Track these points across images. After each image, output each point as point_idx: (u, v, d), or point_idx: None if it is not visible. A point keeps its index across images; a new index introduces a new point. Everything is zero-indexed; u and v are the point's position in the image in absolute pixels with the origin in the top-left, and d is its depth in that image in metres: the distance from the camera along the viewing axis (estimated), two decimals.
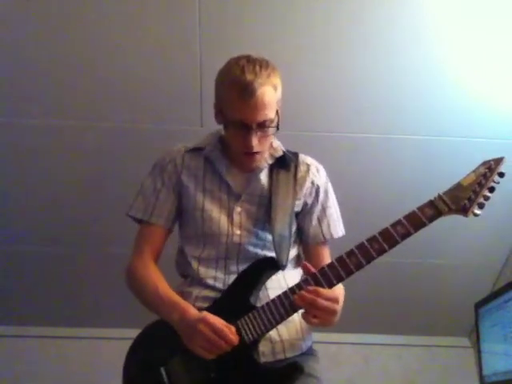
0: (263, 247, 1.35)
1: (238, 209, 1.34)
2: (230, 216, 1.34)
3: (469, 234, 2.42)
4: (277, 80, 1.26)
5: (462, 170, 1.18)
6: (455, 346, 2.80)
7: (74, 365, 2.65)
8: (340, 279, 1.15)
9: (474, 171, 1.17)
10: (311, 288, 1.13)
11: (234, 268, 1.33)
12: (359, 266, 1.13)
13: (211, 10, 1.90)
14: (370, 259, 1.13)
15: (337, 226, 1.43)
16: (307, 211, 1.41)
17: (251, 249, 1.33)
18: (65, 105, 2.12)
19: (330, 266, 1.15)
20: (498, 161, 1.16)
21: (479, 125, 2.16)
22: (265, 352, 1.24)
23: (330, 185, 1.45)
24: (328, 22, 1.93)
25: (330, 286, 1.14)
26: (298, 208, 1.39)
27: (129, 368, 1.30)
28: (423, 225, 1.12)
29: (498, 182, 1.14)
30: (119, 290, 2.51)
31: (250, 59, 1.24)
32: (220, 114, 1.28)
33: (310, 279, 1.16)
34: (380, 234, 1.14)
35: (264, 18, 1.93)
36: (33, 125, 2.16)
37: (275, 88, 1.25)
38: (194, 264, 1.36)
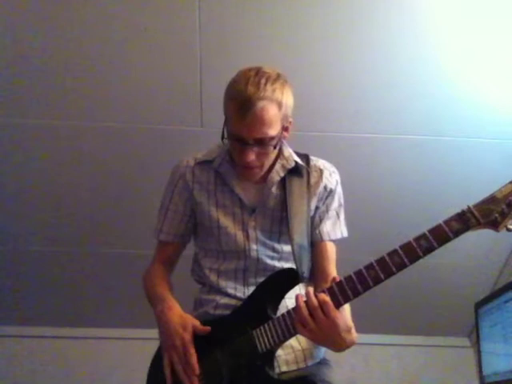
0: (280, 259, 1.34)
1: (252, 223, 1.33)
2: (245, 231, 1.33)
3: (469, 234, 2.41)
4: (283, 96, 1.19)
5: (461, 169, 1.17)
6: (455, 346, 2.80)
7: (74, 365, 2.65)
8: (357, 293, 1.10)
9: (511, 181, 1.06)
10: (322, 298, 1.09)
11: (252, 280, 1.32)
12: (377, 281, 1.08)
13: (211, 11, 1.90)
14: (389, 274, 1.08)
15: (336, 229, 1.40)
16: (315, 212, 1.39)
17: (269, 261, 1.33)
18: (65, 105, 2.12)
19: (348, 279, 1.11)
20: None
21: (479, 125, 2.16)
22: (288, 361, 1.24)
23: (339, 189, 1.41)
24: (328, 22, 1.93)
25: (346, 300, 1.10)
26: (312, 213, 1.37)
27: (154, 368, 1.33)
28: (448, 239, 1.07)
29: None
30: (119, 290, 2.53)
31: (259, 72, 1.19)
32: (224, 124, 1.25)
33: (326, 292, 1.11)
34: (401, 247, 1.08)
35: (264, 19, 1.93)
36: (33, 125, 2.16)
37: (279, 105, 1.17)
38: (213, 276, 1.36)
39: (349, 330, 1.12)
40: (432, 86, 2.07)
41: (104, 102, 2.11)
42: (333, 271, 1.35)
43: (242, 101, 1.14)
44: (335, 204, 1.40)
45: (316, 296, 1.09)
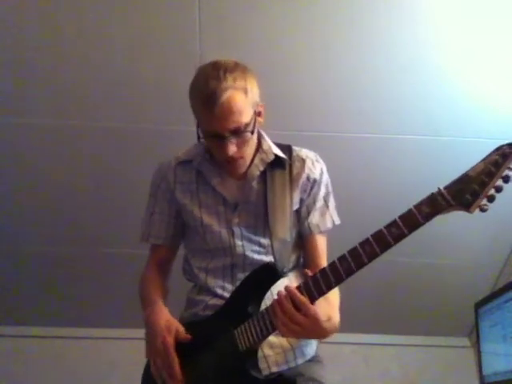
0: (267, 253, 1.33)
1: (236, 220, 1.31)
2: (229, 228, 1.31)
3: (469, 233, 2.42)
4: (246, 82, 1.16)
5: (461, 169, 1.16)
6: (455, 346, 2.80)
7: (74, 365, 2.65)
8: (330, 287, 1.08)
9: (484, 159, 0.99)
10: (298, 300, 1.08)
11: (240, 276, 1.31)
12: (349, 272, 1.05)
13: (211, 10, 1.90)
14: (361, 264, 1.04)
15: (326, 219, 1.36)
16: (301, 204, 1.36)
17: (256, 256, 1.32)
18: (65, 105, 2.12)
19: (322, 272, 1.09)
20: None
21: (479, 125, 2.16)
22: (278, 361, 1.24)
23: (325, 177, 1.37)
24: (328, 22, 1.93)
25: (321, 294, 1.09)
26: (296, 206, 1.34)
27: (146, 369, 1.34)
28: (418, 224, 1.00)
29: None
30: (119, 290, 2.53)
31: (215, 65, 1.17)
32: (197, 126, 1.24)
33: (301, 287, 1.11)
34: (373, 235, 1.05)
35: (263, 19, 1.93)
36: (33, 125, 2.16)
37: (245, 91, 1.15)
38: (202, 275, 1.36)
39: (329, 319, 1.13)
40: (432, 86, 2.07)
41: (104, 102, 2.11)
42: (323, 264, 1.33)
43: (206, 97, 1.13)
44: (322, 193, 1.36)
45: (292, 298, 1.08)
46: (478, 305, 2.27)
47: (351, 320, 2.51)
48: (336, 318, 1.19)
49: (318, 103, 2.11)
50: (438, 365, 2.73)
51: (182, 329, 1.20)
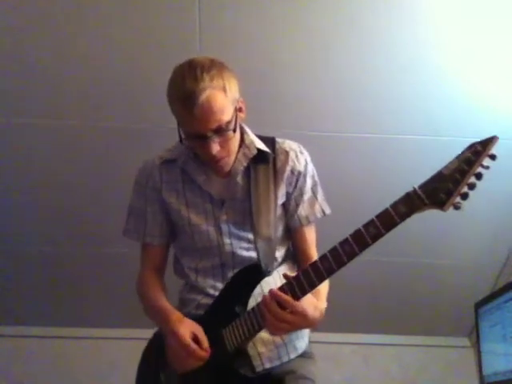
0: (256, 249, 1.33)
1: (224, 217, 1.30)
2: (217, 226, 1.31)
3: (469, 233, 2.41)
4: (224, 80, 1.14)
5: None
6: (455, 346, 2.80)
7: (74, 365, 2.65)
8: (313, 286, 1.09)
9: (457, 157, 1.01)
10: (283, 298, 1.09)
11: (230, 274, 1.31)
12: (330, 272, 1.06)
13: (211, 10, 1.90)
14: (340, 264, 1.05)
15: (315, 209, 1.36)
16: (288, 198, 1.36)
17: (245, 253, 1.32)
18: (65, 105, 2.12)
19: (304, 272, 1.10)
20: (487, 142, 0.98)
21: (478, 125, 2.15)
22: (271, 357, 1.24)
23: (310, 167, 1.36)
24: (328, 22, 1.93)
25: (304, 293, 1.10)
26: (282, 200, 1.33)
27: (139, 369, 1.37)
28: (394, 223, 1.00)
29: (488, 167, 0.96)
30: (119, 290, 2.53)
31: (191, 64, 1.16)
32: (178, 126, 1.23)
33: (285, 287, 1.11)
34: (351, 235, 1.04)
35: (263, 18, 1.93)
36: (33, 125, 2.16)
37: (224, 89, 1.13)
38: (192, 275, 1.37)
39: (315, 309, 1.14)
40: (432, 86, 2.07)
41: (104, 102, 2.11)
42: (313, 254, 1.35)
43: (185, 98, 1.12)
44: (309, 185, 1.36)
45: (276, 300, 1.09)
46: (478, 305, 2.27)
47: (351, 320, 2.52)
48: (321, 305, 1.19)
49: (318, 103, 2.11)
50: (438, 365, 2.73)
51: (199, 330, 1.21)
